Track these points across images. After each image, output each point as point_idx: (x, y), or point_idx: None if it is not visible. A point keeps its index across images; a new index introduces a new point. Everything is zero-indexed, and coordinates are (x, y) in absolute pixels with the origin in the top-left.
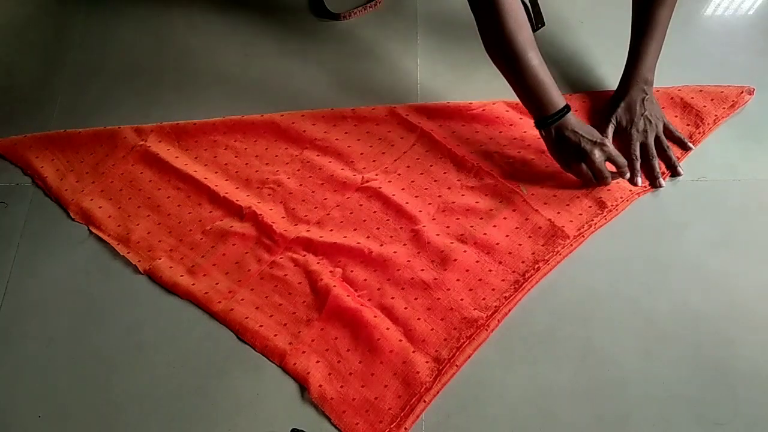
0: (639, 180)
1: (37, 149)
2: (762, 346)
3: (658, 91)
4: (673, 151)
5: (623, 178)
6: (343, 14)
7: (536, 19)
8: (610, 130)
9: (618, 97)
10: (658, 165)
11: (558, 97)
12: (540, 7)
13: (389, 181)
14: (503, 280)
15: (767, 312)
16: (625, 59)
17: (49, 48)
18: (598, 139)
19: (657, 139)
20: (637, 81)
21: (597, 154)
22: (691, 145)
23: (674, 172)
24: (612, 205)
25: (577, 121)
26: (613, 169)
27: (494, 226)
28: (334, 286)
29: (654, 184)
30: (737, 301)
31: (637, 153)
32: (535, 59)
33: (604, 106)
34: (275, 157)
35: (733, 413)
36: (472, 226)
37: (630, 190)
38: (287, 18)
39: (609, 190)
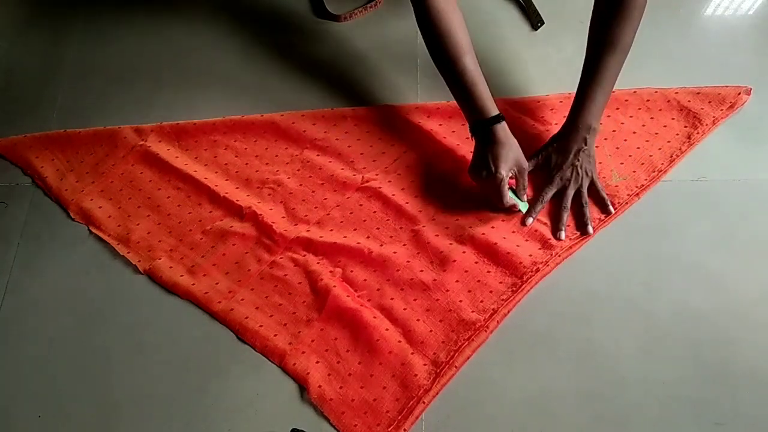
0: (530, 221)
1: (37, 149)
2: (762, 346)
3: (656, 92)
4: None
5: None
6: (343, 15)
7: (534, 19)
8: (532, 163)
9: (556, 137)
10: (567, 218)
11: (492, 105)
12: (536, 7)
13: (389, 181)
14: (501, 282)
15: (767, 312)
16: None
17: (49, 48)
18: (514, 164)
19: (578, 192)
20: (578, 128)
21: (502, 175)
22: (612, 209)
23: (583, 231)
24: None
25: (506, 136)
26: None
27: (492, 227)
28: (334, 286)
29: (555, 234)
30: (737, 301)
31: (546, 198)
32: (470, 64)
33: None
34: (275, 157)
35: (733, 413)
36: (471, 227)
37: (628, 194)
38: (287, 18)
39: (608, 194)
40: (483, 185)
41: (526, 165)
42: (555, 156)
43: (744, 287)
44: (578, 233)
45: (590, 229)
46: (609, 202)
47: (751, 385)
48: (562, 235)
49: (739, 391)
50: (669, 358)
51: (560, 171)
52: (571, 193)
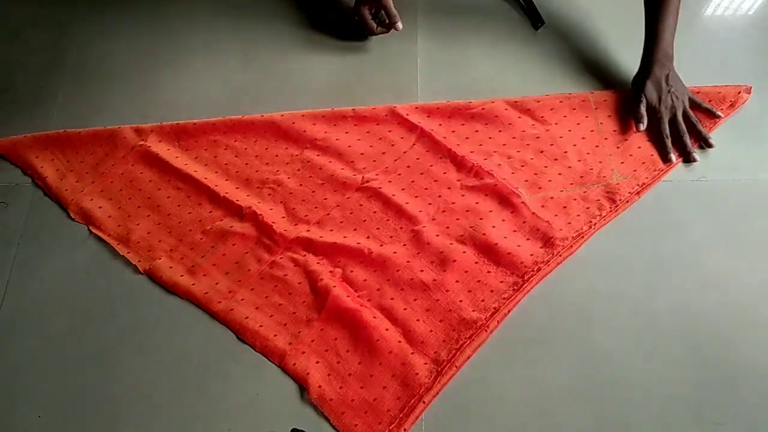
0: (672, 157)
1: (37, 149)
2: (762, 346)
3: None
4: (704, 122)
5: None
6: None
7: (534, 19)
8: (643, 108)
9: (642, 76)
10: (689, 140)
11: None
12: (536, 6)
13: (389, 181)
14: (502, 282)
15: (767, 312)
16: (643, 41)
17: (49, 48)
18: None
19: (685, 114)
20: (659, 58)
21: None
22: (719, 113)
23: (706, 144)
24: (611, 206)
25: None
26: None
27: (493, 227)
28: (334, 286)
29: (687, 158)
30: (737, 301)
31: (668, 131)
32: None
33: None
34: (275, 157)
35: (733, 413)
36: (471, 227)
37: (629, 192)
38: (287, 18)
39: (608, 192)
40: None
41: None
42: (652, 93)
43: (744, 287)
44: (580, 232)
45: (712, 141)
46: (714, 108)
47: (751, 385)
48: (696, 156)
49: (739, 391)
50: (669, 358)
51: (663, 102)
52: (681, 117)
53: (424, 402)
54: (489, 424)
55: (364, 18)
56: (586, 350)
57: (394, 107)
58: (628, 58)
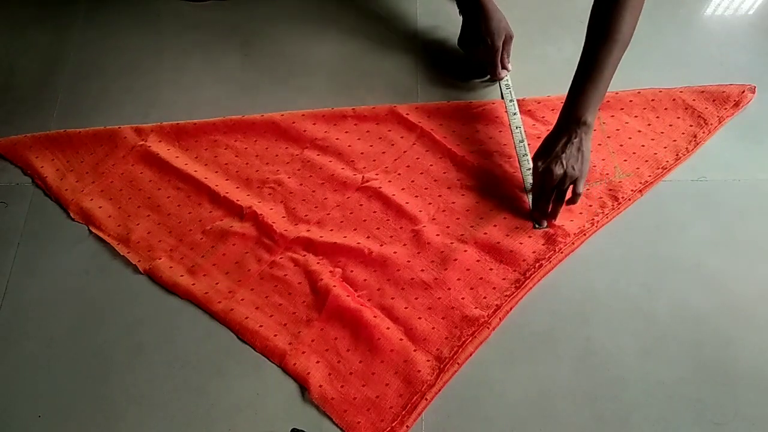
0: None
1: (37, 149)
2: (762, 346)
3: (660, 92)
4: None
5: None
6: None
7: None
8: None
9: (552, 133)
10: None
11: None
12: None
13: (389, 181)
14: (504, 279)
15: (767, 312)
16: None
17: (49, 48)
18: (505, 34)
19: (560, 189)
20: (567, 120)
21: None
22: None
23: (536, 223)
24: (613, 204)
25: (494, 7)
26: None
27: (494, 225)
28: (334, 286)
29: (534, 225)
30: (737, 301)
31: (537, 191)
32: None
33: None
34: (275, 157)
35: (733, 413)
36: (472, 226)
37: (632, 190)
38: (287, 18)
39: (611, 189)
40: (478, 55)
41: (513, 33)
42: (543, 149)
43: (744, 287)
44: (582, 229)
45: (543, 224)
46: (575, 202)
47: (751, 385)
48: (544, 224)
49: (739, 391)
50: (669, 358)
51: (546, 165)
52: (555, 188)
53: (426, 399)
54: (489, 424)
55: (496, 61)
56: (586, 350)
57: (394, 107)
58: (629, 59)
